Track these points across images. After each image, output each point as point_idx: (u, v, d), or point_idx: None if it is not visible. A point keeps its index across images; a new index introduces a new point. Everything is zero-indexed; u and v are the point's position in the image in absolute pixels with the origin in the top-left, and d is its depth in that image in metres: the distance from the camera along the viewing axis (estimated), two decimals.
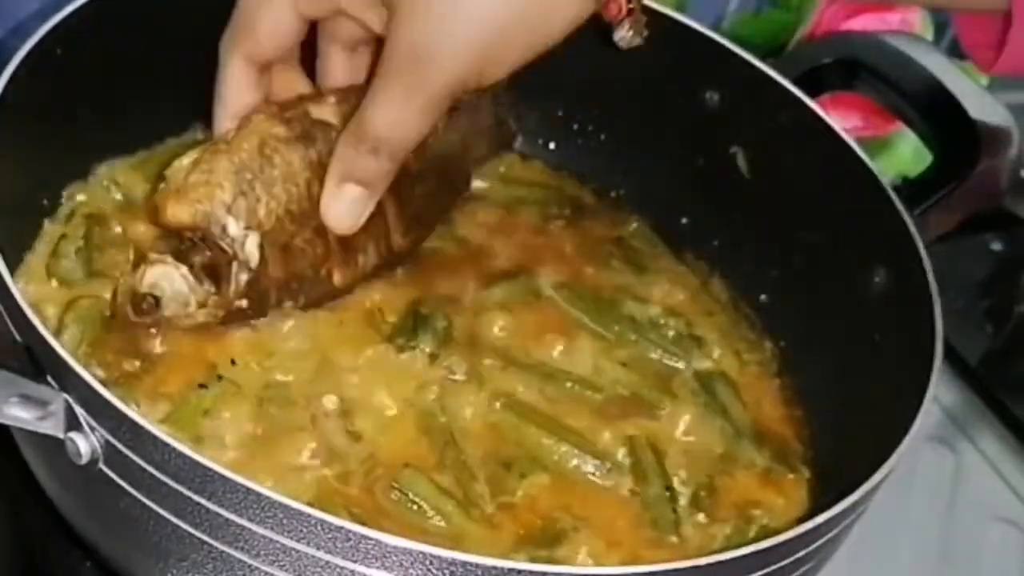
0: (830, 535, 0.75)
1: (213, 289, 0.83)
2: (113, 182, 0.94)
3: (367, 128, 0.80)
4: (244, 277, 0.84)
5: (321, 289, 0.88)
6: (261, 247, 0.83)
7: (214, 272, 0.83)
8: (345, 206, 0.84)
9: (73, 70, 0.88)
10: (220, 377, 0.84)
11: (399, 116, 0.79)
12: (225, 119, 0.86)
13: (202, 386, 0.83)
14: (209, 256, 0.83)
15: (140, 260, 0.85)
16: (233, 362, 0.85)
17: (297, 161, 0.85)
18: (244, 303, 0.84)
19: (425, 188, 0.93)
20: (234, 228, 0.83)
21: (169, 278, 0.83)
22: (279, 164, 0.84)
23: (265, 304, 0.86)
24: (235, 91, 0.85)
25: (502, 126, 1.03)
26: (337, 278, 0.89)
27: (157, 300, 0.82)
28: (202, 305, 0.83)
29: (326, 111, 0.86)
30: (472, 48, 0.77)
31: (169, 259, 0.83)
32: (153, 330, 0.85)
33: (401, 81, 0.78)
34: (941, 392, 0.94)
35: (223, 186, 0.82)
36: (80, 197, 0.92)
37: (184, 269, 0.83)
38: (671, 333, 0.97)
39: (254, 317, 0.86)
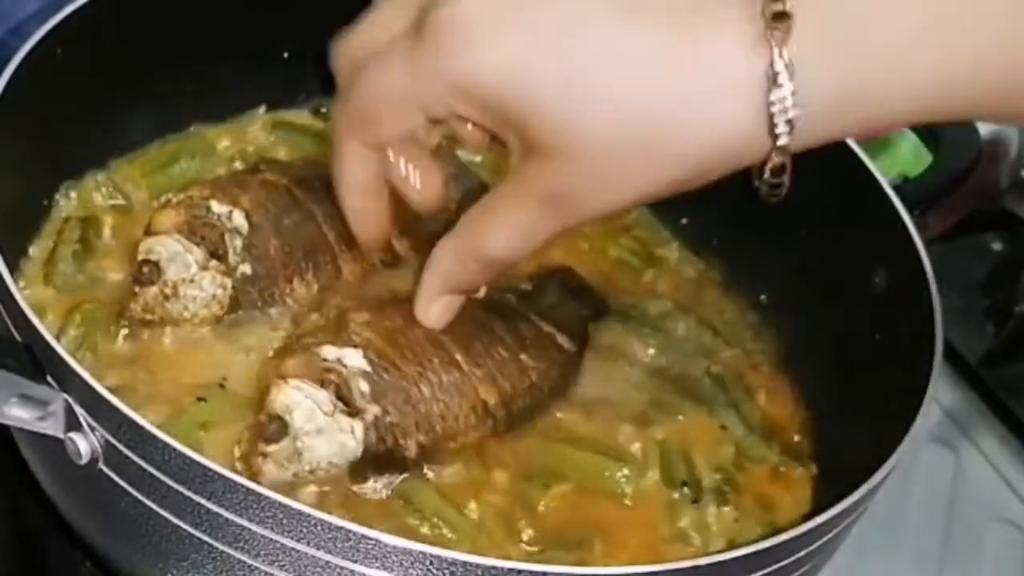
0: (830, 535, 0.75)
1: (211, 254, 0.85)
2: (111, 182, 0.94)
3: (482, 247, 0.74)
4: (239, 242, 0.86)
5: (330, 276, 0.90)
6: (249, 217, 0.87)
7: (214, 254, 0.86)
8: (442, 311, 0.81)
9: (73, 70, 0.88)
10: (222, 386, 0.85)
11: (521, 243, 0.73)
12: (351, 196, 0.79)
13: (200, 399, 0.83)
14: (205, 240, 0.85)
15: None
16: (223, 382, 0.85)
17: (271, 177, 0.91)
18: (248, 269, 0.87)
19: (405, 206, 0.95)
20: (217, 207, 0.87)
21: (163, 243, 0.85)
22: (254, 180, 0.90)
23: (273, 277, 0.87)
24: (354, 168, 0.77)
25: (460, 171, 1.03)
26: (346, 271, 0.90)
27: (156, 265, 0.84)
28: (204, 268, 0.85)
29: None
30: (619, 204, 0.70)
31: (160, 233, 0.86)
32: (163, 327, 0.86)
33: (533, 213, 0.71)
34: (941, 392, 0.94)
35: (201, 191, 0.88)
36: (77, 198, 0.93)
37: (176, 234, 0.85)
38: (684, 331, 0.98)
39: (267, 293, 0.87)
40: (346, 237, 0.90)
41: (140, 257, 0.85)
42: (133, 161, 0.96)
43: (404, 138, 0.74)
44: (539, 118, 0.66)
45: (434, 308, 0.81)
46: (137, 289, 0.85)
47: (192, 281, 0.85)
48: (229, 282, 0.86)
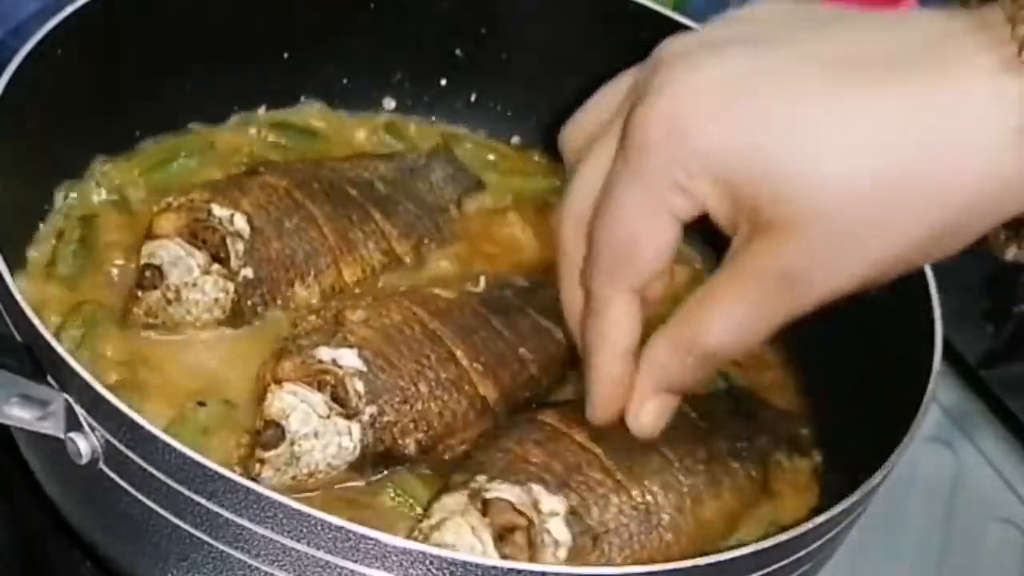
0: (830, 535, 0.75)
1: (212, 257, 0.85)
2: (109, 181, 0.94)
3: (702, 340, 0.68)
4: (241, 246, 0.86)
5: (331, 278, 0.90)
6: (250, 221, 0.87)
7: (216, 258, 0.86)
8: (657, 414, 0.73)
9: (73, 71, 0.88)
10: (222, 391, 0.84)
11: (743, 334, 0.67)
12: (616, 362, 0.72)
13: (200, 403, 0.83)
14: (207, 244, 0.85)
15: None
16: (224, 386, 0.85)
17: (271, 179, 0.91)
18: (250, 272, 0.86)
19: (406, 209, 0.96)
20: (219, 210, 0.87)
21: (165, 247, 0.85)
22: (254, 182, 0.90)
23: (275, 280, 0.87)
24: (625, 328, 0.71)
25: (459, 172, 1.04)
26: (347, 274, 0.90)
27: (159, 269, 0.84)
28: (206, 272, 0.85)
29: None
30: (856, 278, 0.65)
31: (162, 236, 0.85)
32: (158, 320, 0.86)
33: (760, 297, 0.66)
34: (941, 392, 0.94)
35: (201, 194, 0.87)
36: (76, 197, 0.93)
37: (177, 238, 0.85)
38: None
39: (269, 296, 0.87)
40: (347, 240, 0.90)
41: (143, 261, 0.85)
42: (132, 159, 0.96)
43: (665, 264, 0.69)
44: (771, 193, 0.63)
45: (647, 409, 0.73)
46: (140, 293, 0.85)
47: (195, 285, 0.85)
48: (231, 286, 0.86)
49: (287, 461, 0.78)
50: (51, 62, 0.86)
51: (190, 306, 0.85)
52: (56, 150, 0.91)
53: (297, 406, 0.79)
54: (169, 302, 0.85)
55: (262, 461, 0.78)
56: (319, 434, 0.79)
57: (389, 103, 1.08)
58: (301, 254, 0.89)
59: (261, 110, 1.03)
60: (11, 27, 1.06)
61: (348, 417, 0.79)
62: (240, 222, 0.87)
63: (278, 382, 0.80)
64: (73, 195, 0.93)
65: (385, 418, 0.80)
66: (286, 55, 1.02)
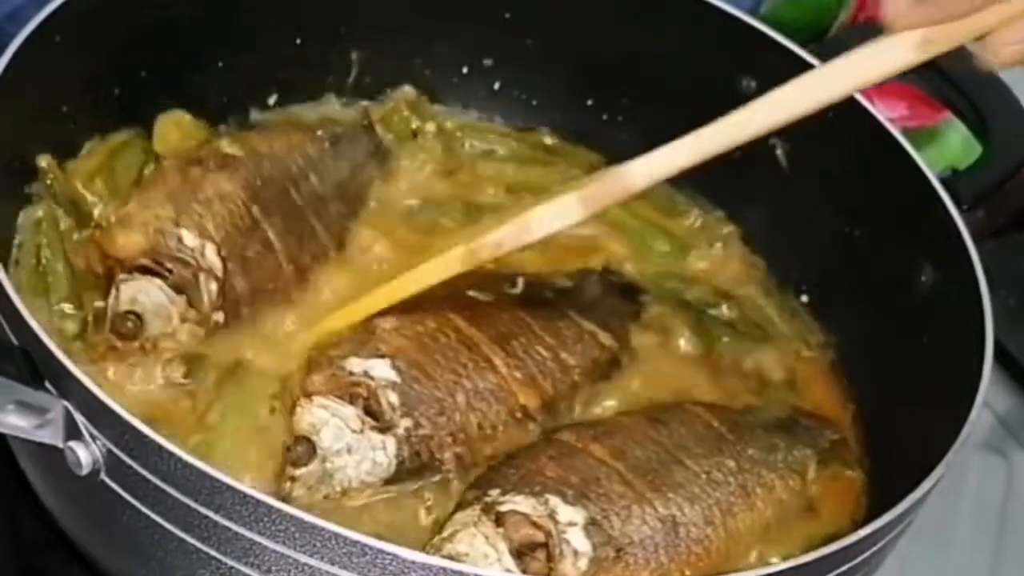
0: (875, 548, 0.74)
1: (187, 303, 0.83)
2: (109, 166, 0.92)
3: None
4: (214, 286, 0.84)
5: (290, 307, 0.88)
6: (221, 256, 0.85)
7: (183, 290, 0.83)
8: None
9: (71, 57, 0.87)
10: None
11: None
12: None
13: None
14: (173, 275, 0.83)
15: (109, 284, 0.83)
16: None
17: (225, 183, 0.87)
18: (220, 317, 0.84)
19: (336, 208, 0.94)
20: (190, 239, 0.84)
21: (145, 291, 0.83)
22: (209, 188, 0.87)
23: (241, 320, 0.85)
24: None
25: (379, 148, 1.01)
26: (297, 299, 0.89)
27: (139, 318, 0.82)
28: (183, 319, 0.83)
29: (234, 146, 0.91)
30: None
31: (138, 276, 0.82)
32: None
33: None
34: (992, 397, 0.93)
35: (164, 206, 0.85)
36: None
37: (158, 281, 0.83)
38: (727, 316, 0.96)
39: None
40: (299, 264, 0.88)
41: (122, 307, 0.82)
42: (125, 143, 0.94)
43: None
44: None
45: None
46: (119, 344, 0.82)
47: (171, 335, 0.83)
48: (202, 332, 0.84)
49: (319, 479, 0.77)
50: (49, 48, 0.85)
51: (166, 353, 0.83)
52: (54, 136, 0.89)
53: (328, 420, 0.78)
54: (147, 353, 0.82)
55: (293, 479, 0.77)
56: (352, 450, 0.78)
57: (408, 92, 1.06)
58: (269, 286, 0.87)
59: (271, 100, 1.03)
60: (7, 12, 1.05)
61: (382, 431, 0.78)
62: (211, 253, 0.84)
63: (308, 396, 0.79)
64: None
65: (421, 431, 0.79)
66: (298, 40, 1.02)
